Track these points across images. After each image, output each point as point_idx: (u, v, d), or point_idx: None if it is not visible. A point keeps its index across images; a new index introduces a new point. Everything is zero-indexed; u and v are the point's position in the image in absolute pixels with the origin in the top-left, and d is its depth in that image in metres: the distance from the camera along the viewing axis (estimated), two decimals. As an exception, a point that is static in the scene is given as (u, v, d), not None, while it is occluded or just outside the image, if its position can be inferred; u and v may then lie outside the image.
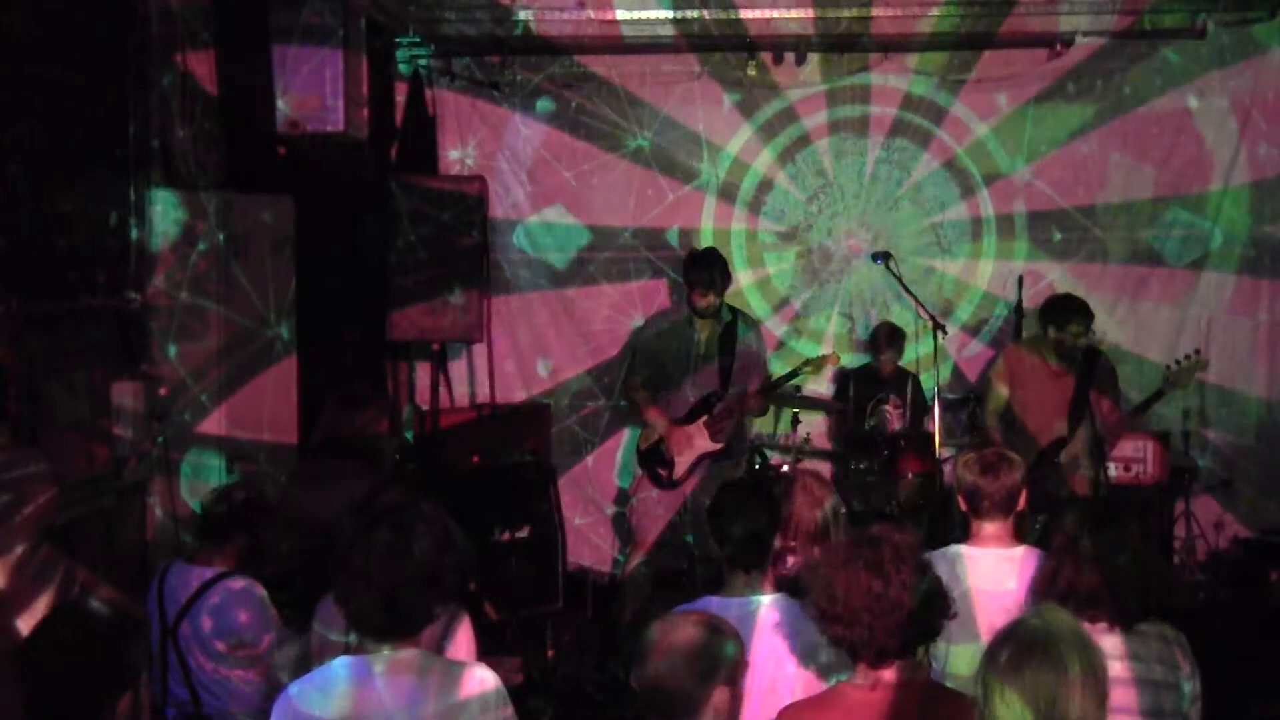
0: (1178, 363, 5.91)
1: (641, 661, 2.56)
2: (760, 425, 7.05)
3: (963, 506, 3.78)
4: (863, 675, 2.69)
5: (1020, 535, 3.81)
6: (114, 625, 2.54)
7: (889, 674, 2.67)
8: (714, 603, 3.30)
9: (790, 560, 3.51)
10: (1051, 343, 5.91)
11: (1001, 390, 6.07)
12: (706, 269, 6.22)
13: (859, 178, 7.53)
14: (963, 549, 3.71)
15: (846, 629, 2.65)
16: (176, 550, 4.56)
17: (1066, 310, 5.90)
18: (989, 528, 3.71)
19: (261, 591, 3.81)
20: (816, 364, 6.44)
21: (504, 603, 5.93)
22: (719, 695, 2.53)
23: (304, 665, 3.27)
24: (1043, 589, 3.12)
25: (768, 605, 3.30)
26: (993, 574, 3.60)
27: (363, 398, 4.90)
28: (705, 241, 7.38)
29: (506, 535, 6.20)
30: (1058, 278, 7.37)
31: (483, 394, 7.50)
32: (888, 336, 6.94)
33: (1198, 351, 5.98)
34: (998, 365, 6.23)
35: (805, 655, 3.15)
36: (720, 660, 2.55)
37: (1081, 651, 2.21)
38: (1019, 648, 2.21)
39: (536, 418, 7.41)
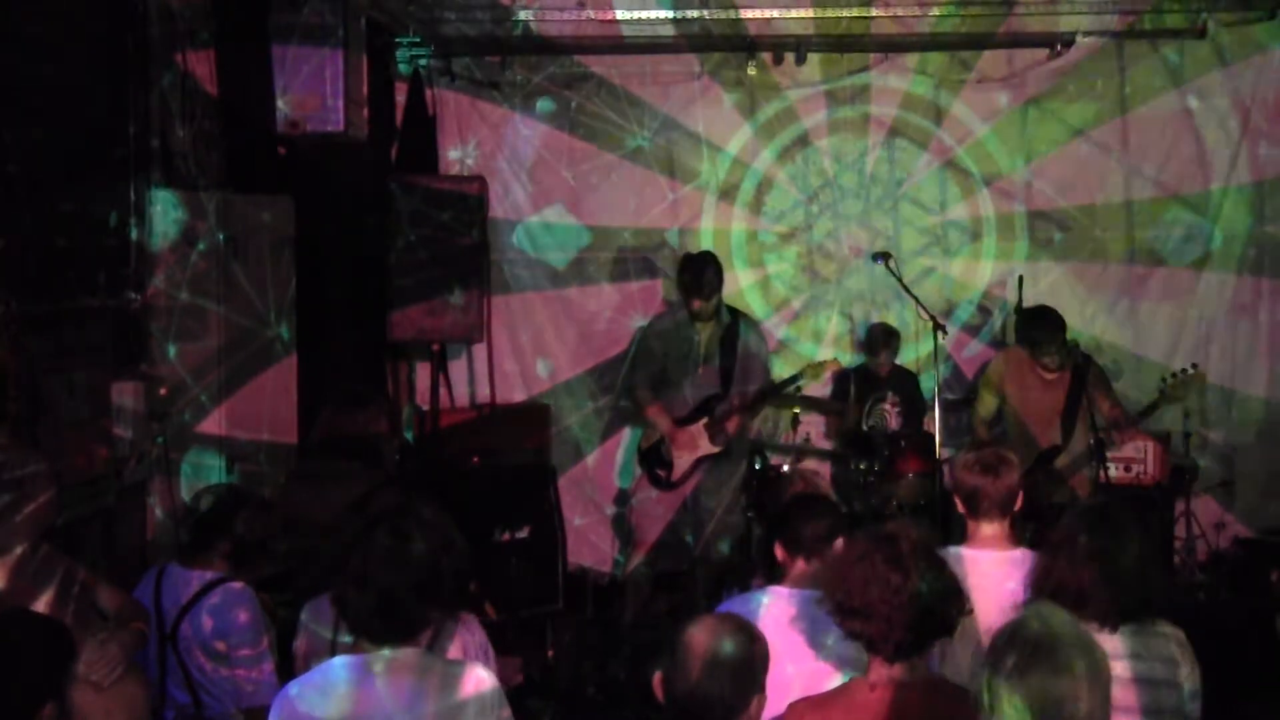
0: (1175, 375, 5.86)
1: (682, 671, 2.50)
2: (760, 425, 7.04)
3: (960, 508, 3.75)
4: (876, 671, 2.70)
5: (1017, 538, 3.78)
6: (33, 635, 2.55)
7: (897, 671, 2.67)
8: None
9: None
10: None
11: (989, 400, 6.10)
12: (698, 274, 6.23)
13: (859, 178, 7.52)
14: (961, 550, 3.67)
15: (864, 623, 2.66)
16: (176, 551, 4.55)
17: (1038, 330, 5.87)
18: (987, 529, 3.68)
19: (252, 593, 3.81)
20: (816, 370, 6.44)
21: (504, 603, 5.93)
22: (756, 704, 2.51)
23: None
24: (1036, 588, 3.12)
25: (778, 598, 3.32)
26: (992, 575, 3.55)
27: (363, 398, 4.89)
28: (705, 242, 7.37)
29: (506, 535, 6.19)
30: (1058, 278, 7.37)
31: (483, 394, 7.50)
32: (883, 337, 6.93)
33: (1195, 366, 5.96)
34: (989, 371, 6.22)
35: (820, 648, 3.16)
36: (760, 669, 2.54)
37: (1085, 652, 2.22)
38: (1024, 652, 2.20)
39: (536, 418, 7.41)
